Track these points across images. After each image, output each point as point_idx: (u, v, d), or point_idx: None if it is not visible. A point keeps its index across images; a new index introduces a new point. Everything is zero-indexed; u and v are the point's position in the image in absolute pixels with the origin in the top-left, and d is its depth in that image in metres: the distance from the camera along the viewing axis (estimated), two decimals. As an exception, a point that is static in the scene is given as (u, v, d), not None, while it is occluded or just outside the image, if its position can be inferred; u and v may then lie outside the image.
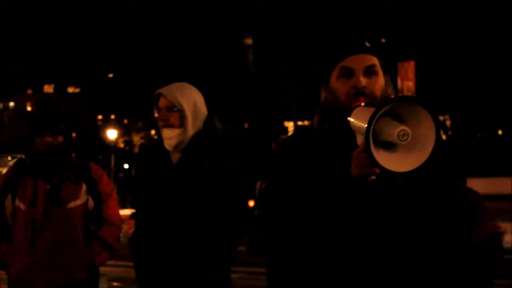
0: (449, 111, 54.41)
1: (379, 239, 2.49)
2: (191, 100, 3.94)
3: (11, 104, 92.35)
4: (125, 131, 75.49)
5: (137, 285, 4.01)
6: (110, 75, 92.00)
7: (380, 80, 2.63)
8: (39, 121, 4.41)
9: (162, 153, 3.98)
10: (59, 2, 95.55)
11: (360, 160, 2.34)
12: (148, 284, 3.95)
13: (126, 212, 6.70)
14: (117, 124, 70.66)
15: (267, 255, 4.03)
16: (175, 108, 3.90)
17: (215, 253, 3.82)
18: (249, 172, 4.03)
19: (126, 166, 65.31)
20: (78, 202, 4.40)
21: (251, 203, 4.00)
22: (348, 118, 2.49)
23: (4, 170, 5.27)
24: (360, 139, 2.42)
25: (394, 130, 2.25)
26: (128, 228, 4.06)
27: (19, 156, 4.94)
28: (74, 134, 4.60)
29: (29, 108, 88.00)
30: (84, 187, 4.44)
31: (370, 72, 2.61)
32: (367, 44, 2.66)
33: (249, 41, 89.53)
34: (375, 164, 2.26)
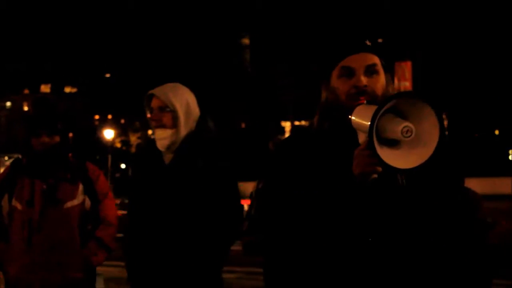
0: (446, 111, 54.48)
1: (381, 238, 2.47)
2: (184, 101, 3.94)
3: (8, 104, 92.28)
4: (122, 131, 75.48)
5: (128, 285, 4.01)
6: (107, 75, 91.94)
7: (381, 79, 2.61)
8: (36, 121, 4.40)
9: (155, 154, 3.98)
10: (56, 2, 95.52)
11: (362, 158, 2.33)
12: (140, 284, 3.95)
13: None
14: (114, 124, 70.67)
15: (264, 255, 4.03)
16: (167, 109, 3.90)
17: (207, 254, 3.82)
18: (240, 173, 4.03)
19: (123, 166, 65.32)
20: (75, 202, 4.40)
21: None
22: (350, 117, 2.47)
23: (1, 170, 5.26)
24: (361, 138, 2.41)
25: (397, 127, 2.23)
26: None
27: (16, 156, 4.93)
28: (71, 134, 4.59)
29: (26, 108, 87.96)
30: (81, 187, 4.44)
31: (371, 71, 2.59)
32: (368, 43, 2.65)
33: (246, 41, 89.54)
34: (379, 161, 2.24)
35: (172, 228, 3.80)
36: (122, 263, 4.06)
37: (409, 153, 2.28)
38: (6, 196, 4.40)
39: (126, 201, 4.42)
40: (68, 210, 4.37)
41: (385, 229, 2.48)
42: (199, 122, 3.99)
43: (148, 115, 4.02)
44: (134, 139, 75.11)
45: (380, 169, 2.32)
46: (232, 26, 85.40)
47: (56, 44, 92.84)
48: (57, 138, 4.39)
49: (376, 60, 2.62)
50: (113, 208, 4.59)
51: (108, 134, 50.98)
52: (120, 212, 5.62)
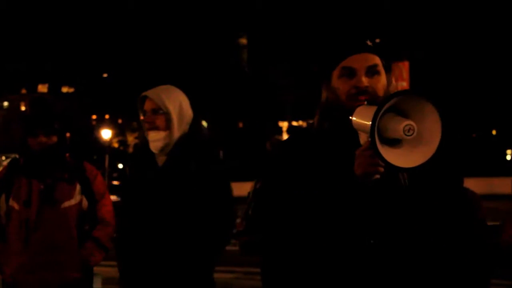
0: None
1: (382, 238, 2.46)
2: (177, 103, 3.94)
3: (5, 103, 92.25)
4: (119, 131, 75.46)
5: (119, 286, 4.02)
6: (105, 75, 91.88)
7: (382, 80, 2.59)
8: (33, 121, 4.40)
9: (148, 156, 3.98)
10: (53, 2, 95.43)
11: (364, 158, 2.31)
12: (132, 285, 3.95)
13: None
14: (112, 124, 70.60)
15: (262, 255, 4.02)
16: (160, 111, 3.90)
17: (199, 256, 3.82)
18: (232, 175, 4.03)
19: (120, 166, 65.28)
20: (72, 202, 4.40)
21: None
22: (350, 117, 2.45)
23: (-2, 170, 5.24)
24: (363, 138, 2.39)
25: (399, 125, 2.21)
26: None
27: (13, 156, 4.93)
28: (68, 134, 4.59)
29: (23, 108, 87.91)
30: (78, 187, 4.43)
31: (372, 71, 2.57)
32: (369, 43, 2.62)
33: (243, 41, 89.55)
34: (382, 160, 2.22)
35: (164, 230, 3.80)
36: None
37: (411, 152, 2.25)
38: (3, 196, 4.39)
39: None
40: (65, 210, 4.36)
41: (387, 231, 2.46)
42: (192, 124, 3.99)
43: (141, 117, 4.02)
44: (131, 139, 75.05)
45: (382, 169, 2.30)
46: (230, 26, 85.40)
47: (54, 44, 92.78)
48: (54, 138, 4.39)
49: (377, 60, 2.60)
50: (111, 208, 4.59)
51: (106, 134, 50.95)
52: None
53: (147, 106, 3.94)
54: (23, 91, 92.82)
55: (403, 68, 38.80)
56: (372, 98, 2.50)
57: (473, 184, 2.94)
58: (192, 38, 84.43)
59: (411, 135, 2.20)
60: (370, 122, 2.21)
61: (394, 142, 2.27)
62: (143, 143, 4.06)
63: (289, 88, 69.49)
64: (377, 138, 2.20)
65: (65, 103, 76.66)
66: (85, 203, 4.45)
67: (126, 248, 3.95)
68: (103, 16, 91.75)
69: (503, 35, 59.61)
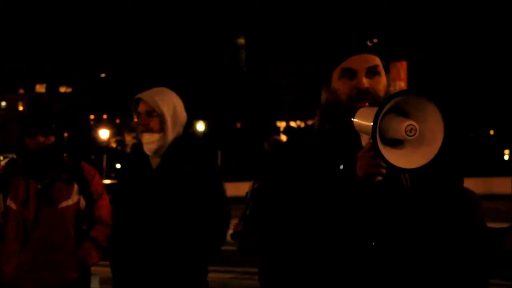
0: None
1: (384, 240, 2.43)
2: (171, 105, 3.94)
3: (3, 103, 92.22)
4: (117, 131, 75.39)
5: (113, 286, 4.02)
6: (102, 75, 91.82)
7: (383, 80, 2.57)
8: (31, 121, 4.39)
9: (142, 158, 3.98)
10: (52, 3, 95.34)
11: (366, 160, 2.29)
12: (125, 286, 3.96)
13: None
14: (109, 123, 70.62)
15: (260, 255, 4.01)
16: (154, 113, 3.90)
17: (192, 258, 3.82)
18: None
19: (118, 166, 65.25)
20: (70, 202, 4.39)
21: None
22: (352, 119, 2.42)
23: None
24: (364, 140, 2.37)
25: (401, 126, 2.19)
26: None
27: (11, 156, 4.91)
28: (66, 134, 4.58)
29: (21, 108, 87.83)
30: (76, 187, 4.43)
31: (372, 72, 2.54)
32: (369, 44, 2.59)
33: (241, 41, 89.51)
34: (384, 161, 2.19)
35: (157, 232, 3.80)
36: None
37: (413, 152, 2.23)
38: (1, 196, 4.38)
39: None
40: (63, 210, 4.35)
41: (389, 232, 2.44)
42: (186, 127, 3.99)
43: (135, 119, 4.02)
44: (129, 139, 74.98)
45: (384, 171, 2.28)
46: (228, 26, 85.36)
47: (52, 44, 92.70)
48: (52, 138, 4.38)
49: (377, 61, 2.57)
50: (108, 208, 4.58)
51: (103, 134, 50.94)
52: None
53: (141, 108, 3.94)
54: (21, 91, 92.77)
55: (401, 68, 38.79)
56: (373, 99, 2.48)
57: (471, 184, 2.92)
58: (191, 38, 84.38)
59: (413, 135, 2.18)
60: (372, 123, 2.18)
61: (396, 143, 2.25)
62: (137, 145, 4.06)
63: (287, 88, 69.50)
64: (378, 139, 2.18)
65: (63, 103, 76.59)
66: (82, 203, 4.44)
67: (119, 249, 3.96)
68: (101, 16, 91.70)
69: (501, 36, 59.63)
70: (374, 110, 2.23)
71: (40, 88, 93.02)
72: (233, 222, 6.46)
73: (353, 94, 2.52)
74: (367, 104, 2.46)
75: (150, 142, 3.90)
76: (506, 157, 60.07)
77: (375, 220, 2.43)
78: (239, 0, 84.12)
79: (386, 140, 2.23)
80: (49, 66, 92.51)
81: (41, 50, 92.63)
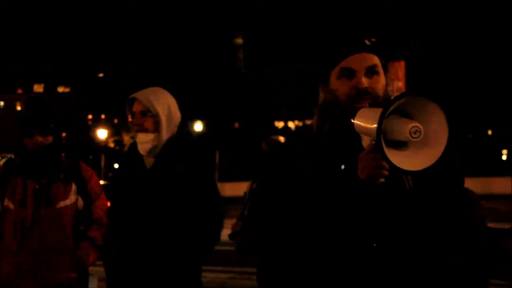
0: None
1: (387, 241, 2.41)
2: (165, 105, 3.94)
3: (1, 103, 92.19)
4: (115, 131, 75.32)
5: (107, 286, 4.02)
6: (101, 75, 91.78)
7: (382, 80, 2.53)
8: (29, 121, 4.39)
9: (136, 158, 3.98)
10: (50, 2, 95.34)
11: (368, 162, 2.25)
12: (119, 285, 3.96)
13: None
14: (107, 123, 70.56)
15: (258, 256, 3.99)
16: (149, 113, 3.90)
17: (186, 257, 3.82)
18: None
19: (116, 166, 65.19)
20: (68, 202, 4.39)
21: None
22: (352, 120, 2.39)
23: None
24: (365, 141, 2.34)
25: (405, 127, 2.15)
26: None
27: (9, 155, 4.92)
28: (64, 134, 4.58)
29: (19, 108, 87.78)
30: (73, 187, 4.43)
31: (371, 72, 2.51)
32: (368, 43, 2.56)
33: (239, 40, 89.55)
34: (388, 163, 2.16)
35: (151, 232, 3.81)
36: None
37: (417, 154, 2.20)
38: (-2, 196, 4.39)
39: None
40: (60, 210, 4.36)
41: (392, 234, 2.41)
42: (180, 127, 3.99)
43: (130, 119, 4.02)
44: (127, 139, 74.93)
45: (387, 172, 2.25)
46: (226, 26, 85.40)
47: (50, 44, 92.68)
48: (50, 138, 4.38)
49: (376, 60, 2.54)
50: (106, 208, 4.58)
51: (102, 134, 50.92)
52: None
53: (136, 108, 3.95)
54: (19, 90, 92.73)
55: (399, 67, 38.79)
56: (373, 100, 2.45)
57: (469, 184, 2.91)
58: (188, 38, 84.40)
59: (417, 137, 2.15)
60: (375, 125, 2.15)
61: (399, 145, 2.22)
62: (131, 145, 4.07)
63: (285, 88, 69.54)
64: (382, 141, 2.15)
65: (61, 103, 76.56)
66: (80, 203, 4.45)
67: (112, 249, 3.96)
68: (99, 16, 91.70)
69: (499, 36, 59.69)
70: (375, 111, 2.21)
71: (38, 88, 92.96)
72: (232, 222, 6.47)
73: (352, 94, 2.48)
74: (367, 104, 2.43)
75: (144, 142, 3.91)
76: (504, 157, 60.12)
77: (377, 222, 2.40)
78: (237, 0, 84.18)
79: (388, 142, 2.19)
80: (47, 66, 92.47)
81: (39, 50, 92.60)
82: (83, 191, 4.44)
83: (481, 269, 3.20)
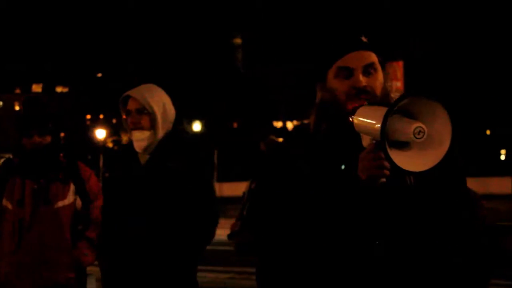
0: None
1: (389, 241, 2.39)
2: (160, 102, 3.96)
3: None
4: (114, 131, 75.30)
5: (102, 284, 4.02)
6: (99, 75, 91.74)
7: (380, 77, 2.51)
8: (27, 121, 4.38)
9: (131, 155, 3.98)
10: (48, 2, 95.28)
11: (369, 161, 2.24)
12: (114, 284, 3.96)
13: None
14: (106, 123, 70.51)
15: (257, 256, 3.99)
16: (145, 111, 3.90)
17: (181, 254, 3.82)
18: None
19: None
20: (66, 202, 4.38)
21: None
22: (352, 119, 2.37)
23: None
24: (365, 140, 2.31)
25: (408, 128, 2.13)
26: None
27: (7, 155, 4.91)
28: (62, 134, 4.57)
29: (17, 108, 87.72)
30: (72, 187, 4.42)
31: (369, 70, 2.48)
32: (364, 39, 2.53)
33: (238, 40, 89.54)
34: (391, 163, 2.14)
35: (147, 228, 3.81)
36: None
37: (419, 154, 2.17)
38: (-3, 196, 4.38)
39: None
40: (59, 210, 4.35)
41: (394, 234, 2.39)
42: (175, 124, 4.00)
43: (124, 117, 4.03)
44: (125, 139, 74.86)
45: (388, 172, 2.23)
46: (224, 26, 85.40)
47: (48, 44, 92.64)
48: (48, 138, 4.38)
49: (373, 58, 2.51)
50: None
51: (100, 133, 50.90)
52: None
53: (131, 106, 3.95)
54: (18, 90, 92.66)
55: (398, 67, 38.82)
56: (372, 98, 2.43)
57: (468, 184, 2.90)
58: (187, 38, 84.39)
59: (421, 137, 2.12)
60: (378, 124, 2.13)
61: (402, 145, 2.19)
62: (125, 143, 4.08)
63: (284, 88, 69.52)
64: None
65: (60, 102, 76.52)
66: (79, 203, 4.44)
67: (108, 246, 3.96)
68: (98, 16, 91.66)
69: (498, 36, 59.73)
70: (376, 109, 2.19)
71: (37, 88, 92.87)
72: (230, 222, 6.46)
73: (351, 93, 2.46)
74: (365, 102, 2.41)
75: (140, 139, 3.92)
76: (502, 157, 60.17)
77: (378, 222, 2.38)
78: (236, 0, 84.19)
79: (391, 142, 2.17)
80: (45, 66, 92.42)
81: (38, 49, 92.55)
82: (81, 191, 4.44)
83: (482, 269, 3.20)
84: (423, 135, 2.12)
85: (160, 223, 3.80)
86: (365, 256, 2.39)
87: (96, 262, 4.48)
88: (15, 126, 4.44)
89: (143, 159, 3.95)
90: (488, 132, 62.12)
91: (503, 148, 60.65)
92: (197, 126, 45.88)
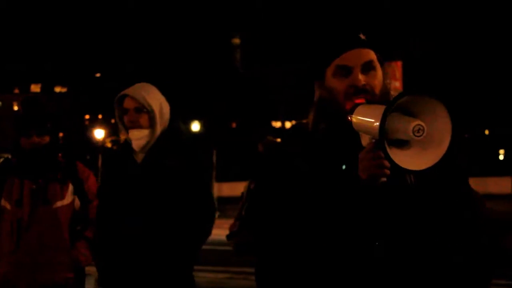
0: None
1: (389, 241, 2.37)
2: (157, 101, 3.96)
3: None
4: (112, 131, 75.26)
5: (98, 285, 4.02)
6: (98, 75, 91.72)
7: (379, 75, 2.47)
8: (26, 121, 4.38)
9: (126, 154, 3.98)
10: (46, 2, 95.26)
11: (369, 161, 2.21)
12: (111, 284, 3.96)
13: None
14: (105, 123, 70.45)
15: (256, 256, 3.98)
16: (144, 110, 3.90)
17: (177, 252, 3.82)
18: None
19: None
20: (64, 202, 4.38)
21: None
22: (350, 118, 2.34)
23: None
24: (365, 140, 2.28)
25: (408, 126, 2.09)
26: None
27: (5, 155, 4.91)
28: (61, 134, 4.57)
29: (15, 108, 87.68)
30: (70, 187, 4.42)
31: (368, 68, 2.44)
32: (362, 37, 2.49)
33: (236, 40, 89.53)
34: (390, 163, 2.11)
35: (143, 227, 3.81)
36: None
37: (420, 153, 2.14)
38: (-5, 196, 4.38)
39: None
40: (57, 210, 4.35)
41: (395, 234, 2.37)
42: (171, 121, 4.01)
43: (117, 116, 4.02)
44: (124, 138, 74.73)
45: (388, 171, 2.20)
46: (223, 26, 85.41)
47: (47, 44, 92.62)
48: (47, 138, 4.37)
49: (372, 55, 2.48)
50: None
51: (99, 134, 50.88)
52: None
53: (129, 104, 3.94)
54: (16, 90, 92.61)
55: (396, 67, 38.82)
56: (371, 96, 2.40)
57: (475, 184, 2.88)
58: (186, 38, 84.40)
59: (420, 136, 2.09)
60: (376, 123, 2.10)
61: (401, 144, 2.16)
62: (121, 142, 4.07)
63: (283, 88, 69.49)
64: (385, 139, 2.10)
65: (58, 102, 76.49)
66: (77, 203, 4.44)
67: (105, 245, 3.96)
68: (97, 16, 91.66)
69: (497, 37, 59.77)
70: (375, 108, 2.17)
71: (35, 88, 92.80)
72: (229, 222, 6.47)
73: (350, 92, 2.42)
74: (364, 101, 2.38)
75: (139, 138, 3.91)
76: (501, 157, 60.23)
77: (379, 221, 2.36)
78: (235, 0, 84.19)
79: (390, 141, 2.14)
80: (44, 66, 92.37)
81: (37, 49, 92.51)
82: (80, 192, 4.44)
83: (483, 269, 3.19)
84: (423, 133, 2.09)
85: (156, 221, 3.79)
86: (365, 257, 2.37)
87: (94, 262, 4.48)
88: (14, 126, 4.44)
89: (139, 157, 3.95)
90: (487, 132, 62.17)
91: (501, 148, 60.71)
92: (196, 126, 45.87)
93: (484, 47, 60.12)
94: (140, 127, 3.90)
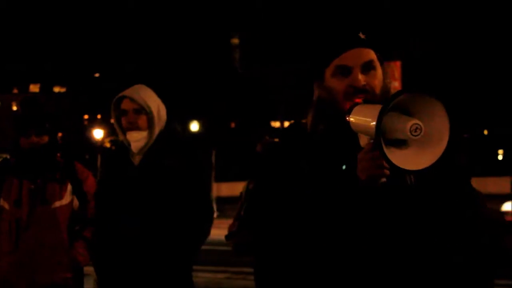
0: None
1: (390, 241, 2.35)
2: (155, 102, 3.96)
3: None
4: (111, 131, 75.27)
5: (96, 285, 4.02)
6: (97, 75, 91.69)
7: (379, 74, 2.44)
8: (25, 121, 4.38)
9: (123, 155, 3.98)
10: (46, 2, 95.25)
11: (368, 161, 2.19)
12: (109, 284, 3.96)
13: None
14: (103, 123, 70.43)
15: (255, 256, 3.96)
16: (143, 111, 3.90)
17: (175, 253, 3.83)
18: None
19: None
20: (63, 202, 4.38)
21: None
22: (348, 118, 2.33)
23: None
24: (363, 140, 2.27)
25: (405, 125, 2.06)
26: None
27: (4, 155, 4.91)
28: (59, 134, 4.57)
29: (14, 108, 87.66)
30: (69, 187, 4.42)
31: (368, 68, 2.42)
32: (362, 36, 2.46)
33: (235, 40, 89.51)
34: (388, 163, 2.08)
35: (141, 228, 3.81)
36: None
37: (418, 153, 2.12)
38: (-6, 196, 4.38)
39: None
40: (56, 210, 4.35)
41: (396, 234, 2.35)
42: (167, 123, 4.01)
43: (113, 118, 4.03)
44: (122, 138, 74.61)
45: (388, 172, 2.18)
46: (222, 26, 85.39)
47: (46, 44, 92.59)
48: (45, 138, 4.37)
49: (372, 55, 2.45)
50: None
51: (98, 134, 50.87)
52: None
53: (127, 106, 3.94)
54: (15, 90, 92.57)
55: (395, 67, 38.83)
56: (370, 96, 2.37)
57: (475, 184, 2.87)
58: (185, 38, 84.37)
59: (417, 135, 2.06)
60: (373, 122, 2.08)
61: (399, 143, 2.14)
62: (118, 143, 4.07)
63: (282, 88, 69.44)
64: (381, 139, 2.08)
65: (57, 102, 76.48)
66: (76, 203, 4.44)
67: (102, 247, 3.96)
68: (96, 16, 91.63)
69: (496, 37, 59.79)
70: (372, 107, 2.15)
71: (34, 88, 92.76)
72: (228, 222, 6.46)
73: (349, 92, 2.40)
74: (361, 101, 2.36)
75: (138, 139, 3.91)
76: (500, 157, 60.27)
77: (379, 222, 2.34)
78: (234, 0, 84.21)
79: (387, 140, 2.11)
80: (43, 66, 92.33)
81: (36, 50, 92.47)
82: (78, 192, 4.43)
83: (485, 269, 3.18)
84: (420, 132, 2.07)
85: (154, 222, 3.79)
86: (365, 257, 2.36)
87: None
88: (13, 126, 4.44)
89: (137, 159, 3.95)
90: (486, 132, 62.20)
91: (500, 148, 60.74)
92: (195, 126, 45.89)
93: (484, 47, 60.15)
94: (138, 128, 3.90)
